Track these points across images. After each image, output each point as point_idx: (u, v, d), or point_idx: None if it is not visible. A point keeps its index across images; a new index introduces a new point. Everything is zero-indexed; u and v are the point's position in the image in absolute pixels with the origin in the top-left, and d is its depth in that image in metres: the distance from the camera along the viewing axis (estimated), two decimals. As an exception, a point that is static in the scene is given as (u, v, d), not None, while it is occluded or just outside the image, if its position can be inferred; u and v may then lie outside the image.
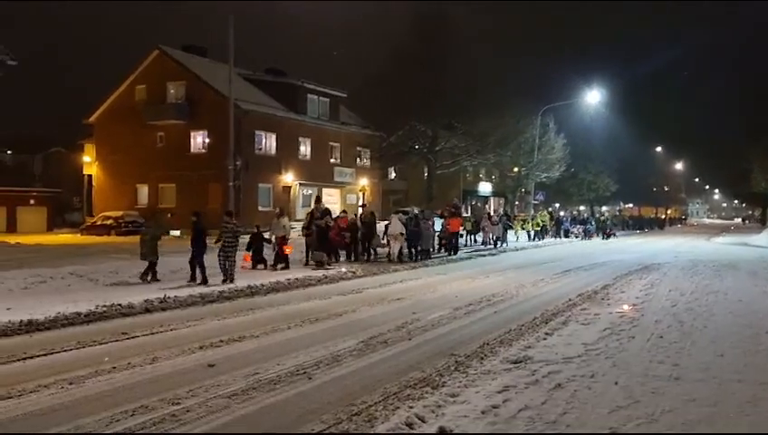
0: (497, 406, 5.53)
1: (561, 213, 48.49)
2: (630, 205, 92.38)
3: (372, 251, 20.64)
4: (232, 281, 13.79)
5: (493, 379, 6.49)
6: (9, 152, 58.88)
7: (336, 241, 19.10)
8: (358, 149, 43.84)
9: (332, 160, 42.54)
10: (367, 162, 44.65)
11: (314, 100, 40.75)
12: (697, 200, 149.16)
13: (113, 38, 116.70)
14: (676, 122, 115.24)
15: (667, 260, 21.95)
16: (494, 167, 50.70)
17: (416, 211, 24.43)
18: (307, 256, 18.40)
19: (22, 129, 59.61)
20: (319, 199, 20.92)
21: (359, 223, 20.79)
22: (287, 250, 17.31)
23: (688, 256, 24.02)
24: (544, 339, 8.47)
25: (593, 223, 42.34)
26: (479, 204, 56.10)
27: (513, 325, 9.58)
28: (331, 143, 42.29)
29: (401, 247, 20.46)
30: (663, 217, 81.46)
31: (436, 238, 23.55)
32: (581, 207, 69.09)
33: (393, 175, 52.38)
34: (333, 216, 19.98)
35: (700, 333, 8.86)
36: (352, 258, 19.96)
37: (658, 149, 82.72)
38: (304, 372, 6.80)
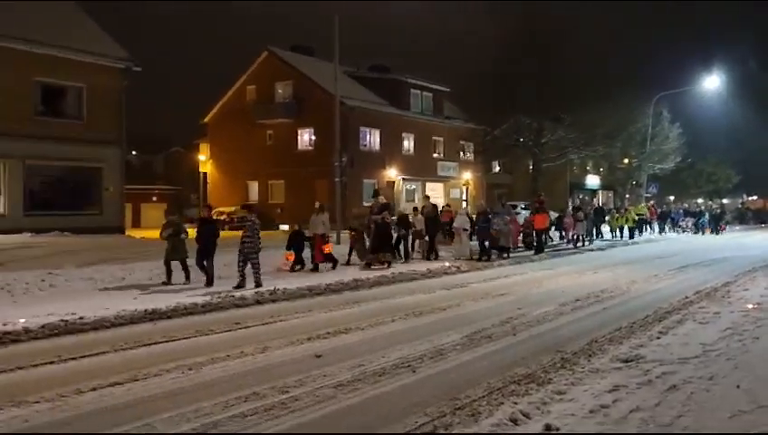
0: (607, 406, 5.34)
1: (673, 205, 45.52)
2: (755, 197, 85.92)
3: (435, 249, 18.71)
4: (260, 285, 12.43)
5: (602, 378, 6.27)
6: (135, 153, 63.12)
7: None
8: (461, 143, 43.58)
9: (436, 155, 42.53)
10: (470, 156, 44.30)
11: (418, 95, 40.90)
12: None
13: (226, 42, 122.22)
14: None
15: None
16: (602, 159, 48.77)
17: (484, 206, 22.25)
18: (350, 255, 17.09)
19: (146, 131, 63.69)
20: (377, 193, 18.92)
21: (412, 217, 18.70)
22: (327, 249, 16.01)
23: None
24: (658, 338, 8.08)
25: (706, 216, 37.59)
26: (586, 198, 54.26)
27: (624, 323, 9.21)
28: (435, 138, 42.29)
29: (467, 244, 18.96)
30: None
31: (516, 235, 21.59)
32: (699, 200, 65.21)
33: (497, 169, 51.68)
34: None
35: (835, 335, 8.15)
36: (400, 255, 17.79)
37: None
38: (409, 365, 6.86)
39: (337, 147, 22.56)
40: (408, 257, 17.96)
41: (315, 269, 15.43)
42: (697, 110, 47.88)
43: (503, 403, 5.56)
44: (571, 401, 5.55)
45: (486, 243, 19.05)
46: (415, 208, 20.08)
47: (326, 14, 23.07)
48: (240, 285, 12.19)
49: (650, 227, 33.53)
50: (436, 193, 41.07)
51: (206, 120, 42.44)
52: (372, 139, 37.82)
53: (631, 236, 29.02)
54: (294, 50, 40.32)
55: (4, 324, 8.54)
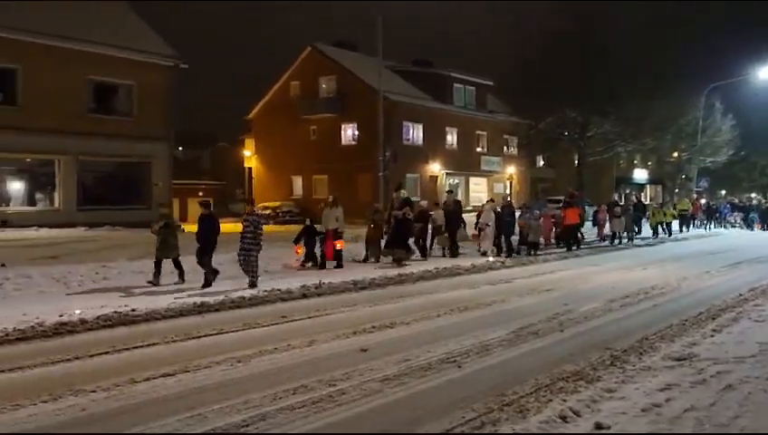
0: (659, 405, 5.23)
1: (721, 200, 43.92)
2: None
3: (456, 245, 17.75)
4: (253, 286, 11.64)
5: (653, 376, 6.14)
6: (181, 149, 64.42)
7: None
8: (505, 137, 43.15)
9: (479, 149, 42.24)
10: (514, 150, 43.86)
11: (461, 89, 40.66)
12: None
13: (270, 38, 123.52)
14: None
15: None
16: (650, 152, 47.66)
17: (509, 199, 21.31)
18: (367, 252, 16.41)
19: (192, 126, 64.95)
20: (399, 187, 17.63)
21: (435, 212, 17.89)
22: (339, 245, 15.20)
23: None
24: (711, 336, 7.87)
25: (756, 211, 35.23)
26: (633, 192, 53.10)
27: (675, 320, 9.00)
28: (478, 132, 41.99)
29: (493, 240, 18.04)
30: None
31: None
32: (752, 194, 63.13)
33: (541, 163, 51.00)
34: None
35: None
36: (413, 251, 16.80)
37: None
38: (454, 361, 6.84)
39: (380, 142, 22.62)
40: (425, 254, 17.08)
41: (322, 266, 14.82)
42: (752, 100, 46.30)
43: (551, 400, 5.49)
44: (621, 399, 5.45)
45: (514, 239, 18.45)
46: (436, 203, 19.32)
47: (370, 9, 22.99)
48: (252, 284, 11.68)
49: (696, 223, 32.44)
50: (480, 187, 40.85)
51: (250, 115, 42.98)
52: (415, 133, 37.76)
53: (670, 233, 27.25)
54: (338, 45, 40.49)
55: (61, 316, 8.83)
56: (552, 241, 21.37)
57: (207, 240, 12.01)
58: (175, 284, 12.14)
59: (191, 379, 6.21)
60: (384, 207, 18.31)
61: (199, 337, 8.09)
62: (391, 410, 5.35)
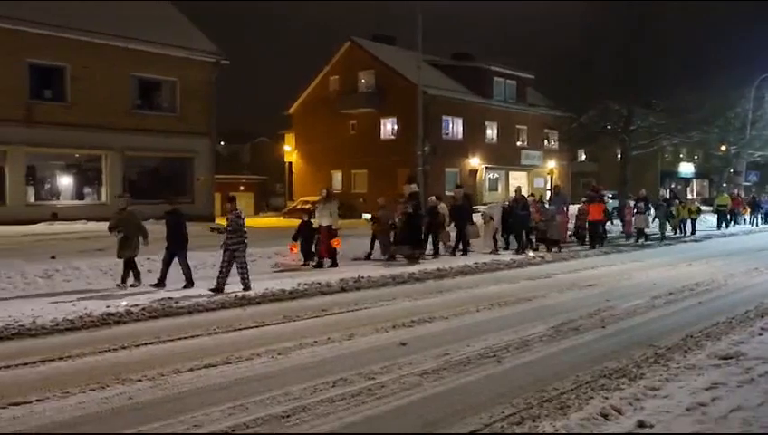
0: (705, 404, 5.11)
1: (764, 195, 42.24)
2: None
3: (465, 242, 16.82)
4: (248, 288, 10.71)
5: (698, 374, 6.00)
6: (222, 143, 65.40)
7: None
8: (545, 131, 42.59)
9: (519, 143, 41.78)
10: (555, 144, 43.25)
11: (501, 82, 40.25)
12: None
13: (309, 32, 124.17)
14: None
15: None
16: (697, 146, 46.42)
17: (524, 193, 19.92)
18: (371, 250, 15.68)
19: (233, 121, 65.87)
20: (411, 179, 16.30)
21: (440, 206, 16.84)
22: (335, 244, 14.20)
23: None
24: (760, 335, 7.64)
25: None
26: (678, 187, 51.84)
27: (722, 318, 8.78)
28: (518, 126, 41.53)
29: (494, 235, 17.39)
30: None
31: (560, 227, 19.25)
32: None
33: (583, 157, 50.19)
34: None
35: None
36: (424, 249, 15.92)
37: None
38: (494, 356, 6.81)
39: (419, 136, 22.52)
40: (437, 252, 16.34)
41: (319, 266, 13.94)
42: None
43: (592, 397, 5.44)
44: (665, 397, 5.35)
45: (532, 235, 17.70)
46: (437, 196, 17.61)
47: (411, 4, 22.90)
48: (219, 289, 10.55)
49: (738, 219, 31.10)
50: (520, 182, 40.39)
51: (290, 110, 43.32)
52: (455, 127, 37.56)
53: (693, 232, 25.18)
54: (376, 39, 40.48)
55: (108, 307, 9.08)
56: (571, 238, 20.30)
57: (175, 238, 11.34)
58: (131, 285, 11.21)
59: (233, 370, 6.32)
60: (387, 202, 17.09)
61: (241, 329, 8.22)
62: (430, 405, 5.35)
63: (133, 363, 6.52)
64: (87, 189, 24.97)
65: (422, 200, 16.75)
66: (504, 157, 39.86)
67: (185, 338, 7.71)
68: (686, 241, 22.74)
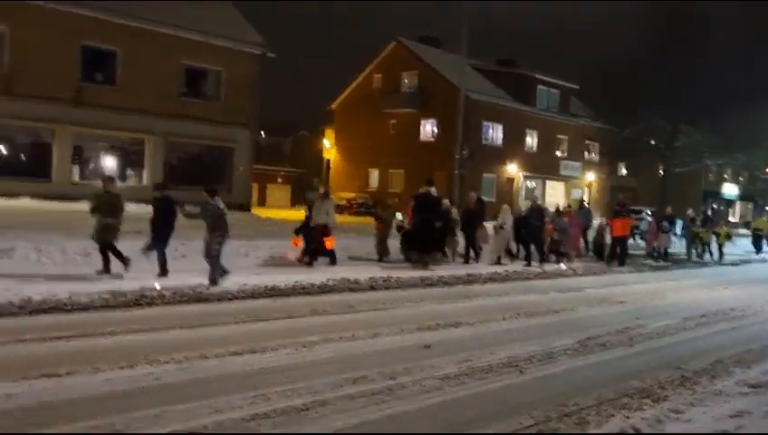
0: (728, 432, 5.03)
1: None
2: None
3: (476, 249, 16.25)
4: (214, 283, 10.19)
5: (725, 401, 5.90)
6: (263, 135, 66.10)
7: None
8: (587, 142, 42.16)
9: (559, 153, 41.41)
10: (595, 156, 42.74)
11: (544, 91, 39.95)
12: None
13: (355, 29, 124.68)
14: None
15: None
16: (742, 167, 45.36)
17: (539, 202, 19.49)
18: (380, 253, 15.21)
19: (275, 113, 66.53)
20: (430, 182, 15.37)
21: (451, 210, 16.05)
22: (328, 243, 13.79)
23: None
24: (793, 365, 7.48)
25: None
26: (721, 208, 50.68)
27: (755, 345, 8.58)
28: (559, 135, 41.17)
29: (506, 245, 16.62)
30: None
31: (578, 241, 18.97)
32: None
33: (623, 171, 49.42)
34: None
35: None
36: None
37: None
38: (516, 365, 6.78)
39: (459, 139, 22.52)
40: (453, 256, 15.91)
41: (310, 264, 13.48)
42: None
43: (613, 415, 5.38)
44: (688, 421, 5.28)
45: (545, 247, 16.85)
46: (447, 199, 16.93)
47: (458, 6, 22.87)
48: (212, 281, 10.22)
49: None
50: (556, 192, 40.00)
51: (333, 106, 43.62)
52: (495, 133, 37.40)
53: (720, 256, 23.07)
54: (422, 41, 40.54)
55: (141, 288, 9.30)
56: (584, 253, 19.52)
57: (162, 225, 10.80)
58: (101, 272, 10.58)
59: (258, 359, 6.43)
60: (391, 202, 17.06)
61: (268, 320, 8.35)
62: (449, 409, 5.37)
63: (162, 345, 6.67)
64: (129, 172, 25.56)
65: (451, 207, 16.51)
66: (543, 166, 39.54)
67: (213, 325, 7.86)
68: (724, 264, 22.21)
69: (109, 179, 11.50)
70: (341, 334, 7.63)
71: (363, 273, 12.55)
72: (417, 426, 4.95)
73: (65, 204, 19.58)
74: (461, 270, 14.38)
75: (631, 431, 4.95)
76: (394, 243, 15.54)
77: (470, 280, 13.31)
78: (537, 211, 16.96)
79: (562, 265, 16.65)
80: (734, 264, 22.63)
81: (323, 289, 10.87)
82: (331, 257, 13.83)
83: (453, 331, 8.40)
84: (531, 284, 13.78)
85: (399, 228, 15.65)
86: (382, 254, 15.22)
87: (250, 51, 27.12)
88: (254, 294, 10.02)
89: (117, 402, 4.99)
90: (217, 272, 10.34)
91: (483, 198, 18.58)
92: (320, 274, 12.26)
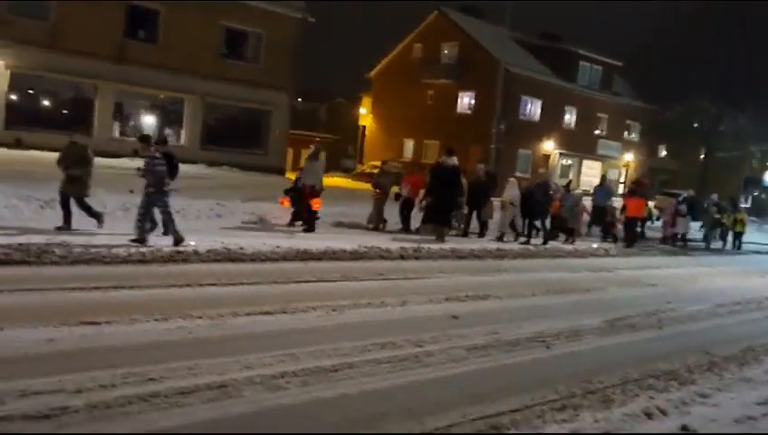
0: (754, 418, 5.01)
1: None
2: None
3: (482, 224, 15.56)
4: (179, 240, 9.56)
5: (752, 388, 5.86)
6: (300, 100, 66.12)
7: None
8: (627, 122, 41.28)
9: (597, 132, 40.67)
10: (635, 137, 41.88)
11: (586, 67, 39.11)
12: None
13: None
14: None
15: None
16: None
17: (547, 176, 18.44)
18: (378, 220, 14.67)
19: (313, 79, 66.41)
20: (450, 152, 14.43)
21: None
22: (315, 205, 13.08)
23: None
24: (826, 357, 7.36)
25: None
26: (763, 196, 49.43)
27: (788, 335, 8.46)
28: (599, 114, 40.38)
29: (512, 221, 15.59)
30: None
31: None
32: None
33: (663, 153, 48.42)
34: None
35: None
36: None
37: None
38: (543, 341, 6.80)
39: (496, 113, 22.28)
40: (464, 231, 15.31)
41: (310, 229, 12.87)
42: None
43: (638, 395, 5.39)
44: (714, 406, 5.26)
45: (546, 222, 15.70)
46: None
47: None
48: (139, 239, 9.29)
49: None
50: (593, 171, 39.41)
51: (371, 74, 43.37)
52: (533, 108, 36.86)
53: (734, 245, 21.63)
54: (464, 11, 39.87)
55: (177, 245, 9.49)
56: (584, 231, 18.31)
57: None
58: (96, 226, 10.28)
59: (288, 320, 6.56)
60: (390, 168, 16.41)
61: (299, 282, 8.48)
62: (474, 379, 5.44)
63: (195, 301, 6.84)
64: (168, 131, 25.89)
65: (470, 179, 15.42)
66: (581, 144, 38.92)
67: (246, 284, 8.01)
68: (761, 253, 21.73)
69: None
70: (371, 300, 7.72)
71: (347, 242, 11.49)
72: (441, 394, 5.03)
73: (105, 160, 19.93)
74: (492, 244, 14.25)
75: (657, 411, 4.96)
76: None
77: (500, 255, 13.27)
78: (543, 186, 15.87)
79: (570, 245, 15.86)
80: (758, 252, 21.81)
81: (354, 255, 10.96)
82: (310, 224, 12.93)
83: (481, 303, 8.44)
84: (561, 262, 13.70)
85: (398, 196, 15.12)
86: (377, 222, 14.65)
87: (291, 15, 27.07)
88: (287, 256, 10.14)
89: (152, 353, 5.15)
90: (145, 229, 9.42)
91: (491, 170, 17.70)
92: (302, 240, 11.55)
